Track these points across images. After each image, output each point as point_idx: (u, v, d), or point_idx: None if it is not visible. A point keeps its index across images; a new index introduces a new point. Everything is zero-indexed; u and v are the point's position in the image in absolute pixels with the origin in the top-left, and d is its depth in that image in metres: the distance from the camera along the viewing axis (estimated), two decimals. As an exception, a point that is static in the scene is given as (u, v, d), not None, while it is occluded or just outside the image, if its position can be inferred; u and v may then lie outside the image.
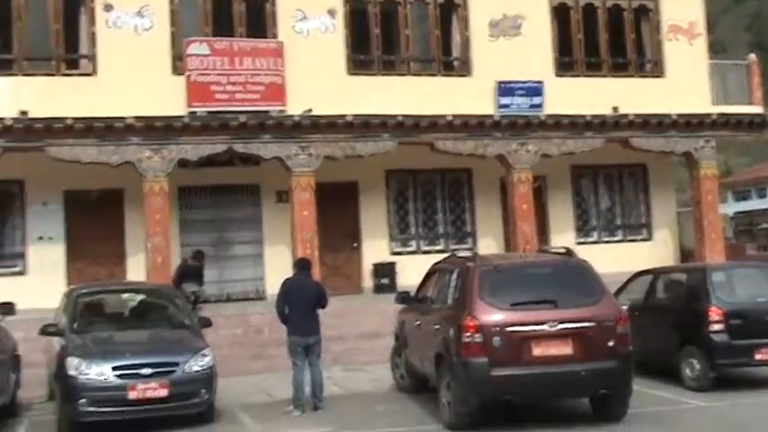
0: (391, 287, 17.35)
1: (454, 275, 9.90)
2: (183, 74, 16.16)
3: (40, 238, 16.80)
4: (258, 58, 16.45)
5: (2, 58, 15.95)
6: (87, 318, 11.09)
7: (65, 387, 9.71)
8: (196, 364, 9.93)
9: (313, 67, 16.70)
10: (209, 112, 16.07)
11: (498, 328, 8.84)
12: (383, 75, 17.75)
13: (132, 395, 9.46)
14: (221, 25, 16.91)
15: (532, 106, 17.80)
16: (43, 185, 16.70)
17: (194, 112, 16.01)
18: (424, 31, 18.36)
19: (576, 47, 18.85)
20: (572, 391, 9.42)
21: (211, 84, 16.20)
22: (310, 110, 16.41)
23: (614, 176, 20.88)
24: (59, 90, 15.72)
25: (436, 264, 11.24)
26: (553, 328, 8.86)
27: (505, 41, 18.05)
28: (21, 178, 16.69)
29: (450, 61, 18.38)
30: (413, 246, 19.21)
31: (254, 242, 18.05)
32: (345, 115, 16.58)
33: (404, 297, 11.75)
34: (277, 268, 16.28)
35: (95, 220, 16.79)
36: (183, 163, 16.12)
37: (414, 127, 17.06)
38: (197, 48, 16.22)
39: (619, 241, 20.55)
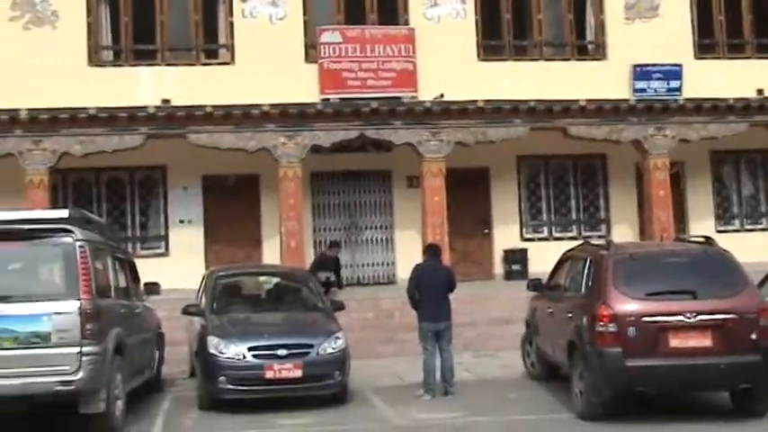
0: (522, 274, 17.21)
1: (587, 263, 9.73)
2: (316, 62, 16.47)
3: (181, 222, 17.51)
4: (389, 45, 16.57)
5: (146, 48, 16.65)
6: (226, 299, 11.53)
7: (205, 365, 10.11)
8: (330, 347, 10.14)
9: (444, 52, 16.69)
10: (342, 99, 16.32)
11: (633, 318, 8.64)
12: (515, 60, 17.57)
13: (269, 375, 9.76)
14: (353, 13, 17.12)
15: (670, 90, 17.24)
16: (184, 171, 17.36)
17: (327, 99, 16.30)
18: (557, 15, 18.05)
19: (717, 28, 18.13)
20: (711, 385, 9.13)
21: (344, 71, 16.44)
22: (441, 96, 16.43)
23: (758, 162, 19.98)
24: (199, 79, 16.30)
25: (569, 251, 11.08)
26: (692, 320, 8.59)
27: (642, 24, 17.53)
28: (163, 164, 17.40)
29: (585, 45, 18.03)
30: (544, 232, 18.98)
31: (385, 227, 18.25)
32: (477, 101, 16.50)
33: (535, 284, 11.64)
34: (408, 253, 16.45)
35: (232, 204, 17.34)
36: (315, 149, 16.43)
37: (546, 112, 16.83)
38: (329, 36, 16.49)
39: (763, 229, 19.67)
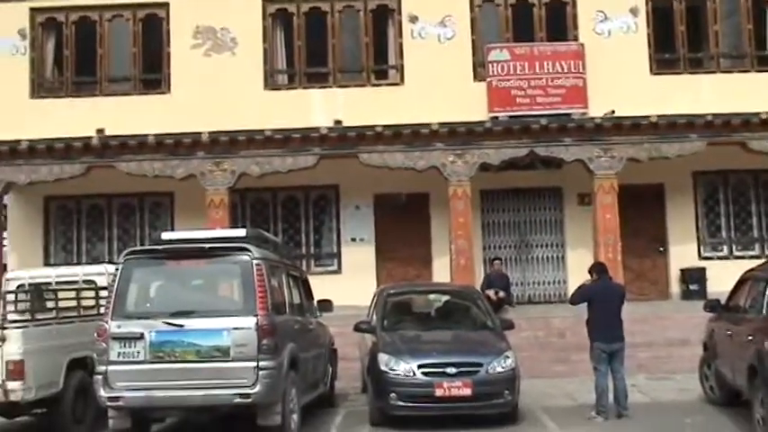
0: (701, 293, 16.47)
1: (770, 284, 9.22)
2: (484, 80, 16.51)
3: (353, 240, 17.87)
4: (559, 61, 16.39)
5: (318, 71, 17.19)
6: (396, 316, 11.67)
7: (376, 381, 10.25)
8: (499, 366, 10.06)
9: (615, 67, 16.35)
10: (511, 117, 16.24)
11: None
12: (690, 73, 17.00)
13: (438, 392, 9.78)
14: (521, 30, 17.06)
15: None
16: (356, 190, 17.74)
17: (496, 117, 16.26)
18: (734, 26, 17.30)
19: None
20: None
21: (512, 88, 16.37)
22: (613, 112, 16.04)
23: None
24: (370, 100, 16.68)
25: (749, 271, 10.53)
26: None
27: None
28: (336, 183, 17.84)
29: (765, 56, 17.16)
30: (724, 250, 18.10)
31: (556, 245, 17.96)
32: (649, 116, 15.97)
33: (713, 305, 11.13)
34: (579, 272, 15.88)
35: (403, 222, 17.57)
36: (484, 167, 16.39)
37: (724, 126, 16.06)
38: (498, 54, 16.49)
39: None
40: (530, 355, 13.11)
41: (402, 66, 16.85)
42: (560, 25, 17.05)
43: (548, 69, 16.37)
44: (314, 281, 12.34)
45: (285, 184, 17.38)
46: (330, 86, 16.98)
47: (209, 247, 9.07)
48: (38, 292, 11.04)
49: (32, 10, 16.93)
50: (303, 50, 17.10)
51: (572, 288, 16.82)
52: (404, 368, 9.99)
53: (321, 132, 16.15)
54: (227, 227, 15.54)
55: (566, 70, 16.39)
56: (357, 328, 11.55)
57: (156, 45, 17.09)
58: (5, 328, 9.30)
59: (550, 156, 16.44)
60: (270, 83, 16.98)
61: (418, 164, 16.27)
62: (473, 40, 16.88)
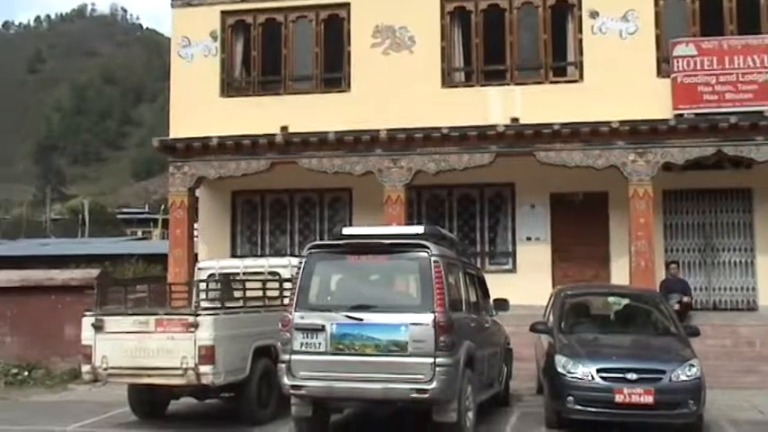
0: None
1: None
2: (668, 76, 15.91)
3: (528, 239, 17.68)
4: (750, 56, 15.58)
5: (496, 69, 17.10)
6: (574, 318, 11.45)
7: (552, 383, 10.10)
8: (683, 374, 9.67)
9: (814, 60, 15.35)
10: (697, 114, 15.57)
11: None
12: None
13: (618, 398, 9.51)
14: (709, 24, 16.31)
15: None
16: (531, 188, 17.52)
17: (681, 115, 15.64)
18: None
19: None
20: None
21: (699, 85, 15.70)
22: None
23: None
24: (547, 97, 16.42)
25: None
26: None
27: None
28: (511, 181, 17.69)
29: None
30: None
31: (745, 249, 17.06)
32: None
33: None
34: (770, 278, 15.27)
35: (580, 222, 17.20)
36: (667, 166, 15.82)
37: None
38: (683, 49, 15.85)
39: None
40: (715, 365, 12.57)
41: (581, 62, 16.48)
42: (753, 18, 16.18)
43: (738, 64, 15.58)
44: (488, 279, 12.29)
45: (461, 181, 17.39)
46: (508, 84, 16.84)
47: (389, 243, 9.22)
48: (227, 282, 11.56)
49: (223, 13, 17.73)
50: (481, 48, 17.04)
51: (762, 296, 16.16)
52: (582, 371, 9.79)
53: (498, 130, 16.07)
54: (403, 223, 15.76)
55: (758, 65, 15.55)
56: (533, 329, 11.43)
57: (337, 44, 17.50)
58: (198, 315, 9.83)
59: (740, 155, 15.65)
60: (447, 81, 17.02)
61: (597, 162, 15.89)
62: (657, 35, 16.28)
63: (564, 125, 15.75)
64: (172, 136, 17.46)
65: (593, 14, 16.41)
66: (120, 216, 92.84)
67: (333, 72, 17.61)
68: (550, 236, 17.58)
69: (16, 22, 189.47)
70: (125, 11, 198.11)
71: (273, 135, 16.75)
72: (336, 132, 16.49)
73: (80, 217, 77.49)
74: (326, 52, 17.62)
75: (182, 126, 17.44)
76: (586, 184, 16.90)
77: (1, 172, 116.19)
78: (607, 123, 15.62)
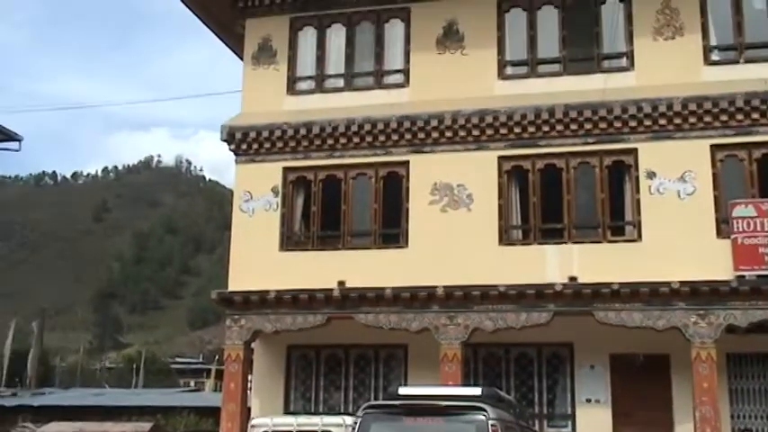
0: None
1: None
2: (728, 237, 15.79)
3: (588, 401, 17.19)
4: (812, 217, 15.44)
5: (553, 227, 17.15)
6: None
7: None
8: None
9: None
10: (759, 276, 15.34)
11: None
12: None
13: None
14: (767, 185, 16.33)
15: None
16: (591, 349, 17.18)
17: (742, 276, 15.42)
18: None
19: None
20: None
21: (760, 246, 15.54)
22: None
23: None
24: (606, 256, 16.36)
25: None
26: None
27: None
28: (570, 341, 17.40)
29: None
30: None
31: (815, 416, 16.39)
32: None
33: None
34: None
35: (641, 384, 16.71)
36: (731, 328, 15.47)
37: None
38: (743, 210, 15.80)
39: None
40: None
41: (639, 222, 16.48)
42: (813, 180, 16.17)
43: (799, 226, 15.46)
44: (548, 443, 11.93)
45: (518, 340, 17.18)
46: (565, 242, 16.84)
47: (446, 405, 9.07)
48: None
49: (285, 169, 18.24)
50: (538, 206, 17.18)
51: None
52: None
53: (556, 289, 15.98)
54: (459, 381, 15.53)
55: (820, 226, 15.40)
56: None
57: (395, 201, 17.81)
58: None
59: (806, 321, 15.28)
60: (505, 238, 17.10)
61: (658, 324, 15.62)
62: (715, 196, 16.27)
63: (623, 285, 15.61)
64: (230, 288, 17.67)
65: (651, 175, 16.52)
66: (173, 366, 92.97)
67: (391, 228, 17.82)
68: (611, 398, 17.08)
69: (84, 173, 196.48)
70: (189, 163, 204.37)
71: (331, 290, 16.88)
72: (393, 288, 16.56)
73: (134, 366, 77.77)
74: (385, 209, 17.92)
75: (240, 279, 17.68)
76: (647, 346, 16.55)
77: (60, 320, 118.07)
78: (667, 284, 15.45)
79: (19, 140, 36.20)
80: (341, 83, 18.63)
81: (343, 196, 18.05)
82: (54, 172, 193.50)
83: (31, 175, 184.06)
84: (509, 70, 17.81)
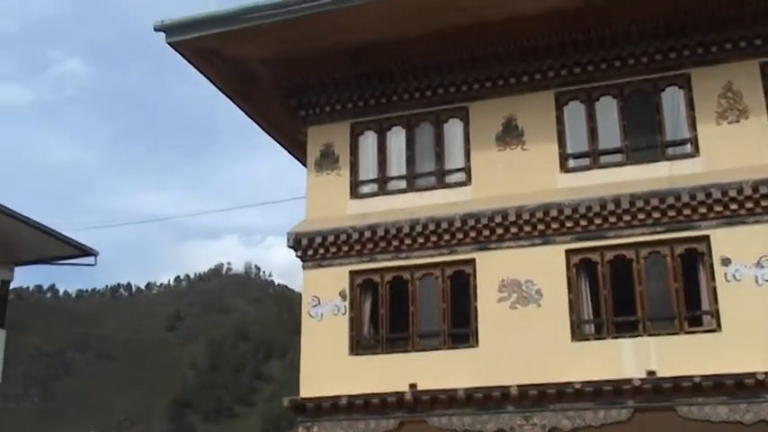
0: None
1: None
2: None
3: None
4: None
5: (627, 320, 16.70)
6: None
7: None
8: None
9: None
10: None
11: None
12: None
13: None
14: None
15: None
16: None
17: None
18: None
19: None
20: None
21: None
22: None
23: None
24: (684, 348, 15.81)
25: None
26: None
27: None
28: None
29: None
30: None
31: None
32: None
33: None
34: None
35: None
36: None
37: None
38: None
39: None
40: None
41: (717, 311, 15.94)
42: None
43: None
44: None
45: (597, 438, 16.59)
46: (640, 335, 16.35)
47: None
48: None
49: (352, 273, 18.24)
50: (609, 299, 16.78)
51: None
52: None
53: (634, 384, 15.47)
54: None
55: None
56: None
57: (463, 300, 17.61)
58: None
59: None
60: (577, 333, 16.68)
61: (745, 417, 14.93)
62: (795, 280, 15.76)
63: (705, 378, 15.04)
64: (302, 395, 17.51)
65: (726, 262, 16.07)
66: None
67: (460, 327, 17.55)
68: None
69: (158, 282, 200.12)
70: (258, 268, 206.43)
71: (402, 393, 16.60)
72: (466, 389, 16.22)
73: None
74: (453, 308, 17.71)
75: (312, 384, 17.55)
76: (734, 440, 15.82)
77: (138, 429, 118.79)
78: (752, 375, 14.83)
79: (95, 255, 37.34)
80: (403, 184, 18.75)
81: (411, 297, 17.92)
82: (129, 283, 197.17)
83: (107, 287, 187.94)
84: (571, 163, 17.74)
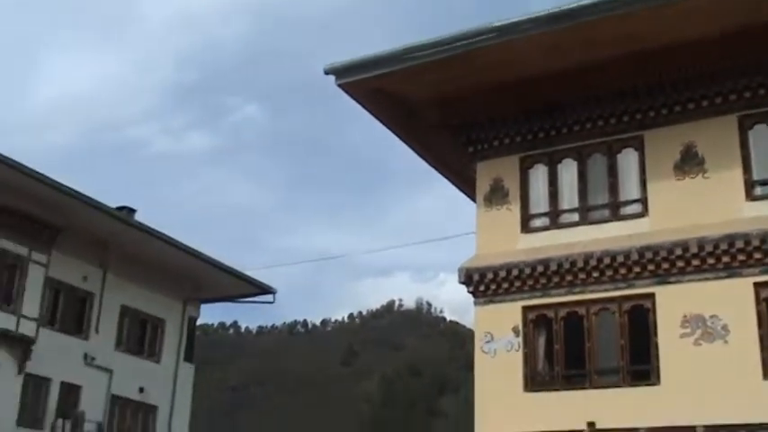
0: None
1: None
2: None
3: None
4: None
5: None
6: None
7: None
8: None
9: None
10: None
11: None
12: None
13: None
14: None
15: None
16: None
17: None
18: None
19: None
20: None
21: None
22: None
23: None
24: None
25: None
26: None
27: None
28: None
29: None
30: None
31: None
32: None
33: None
34: None
35: None
36: None
37: None
38: None
39: None
40: None
41: None
42: None
43: None
44: None
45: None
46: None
47: None
48: None
49: (524, 308, 17.96)
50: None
51: None
52: None
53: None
54: None
55: None
56: None
57: (642, 336, 16.94)
58: None
59: None
60: (768, 373, 15.71)
61: None
62: None
63: None
64: (477, 432, 17.34)
65: None
66: None
67: (639, 364, 16.89)
68: None
69: (333, 319, 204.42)
70: (429, 305, 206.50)
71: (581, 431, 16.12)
72: (648, 429, 15.62)
73: None
74: (632, 343, 17.07)
75: (487, 421, 17.35)
76: None
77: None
78: None
79: (273, 293, 38.72)
80: (575, 217, 18.35)
81: (587, 333, 17.43)
82: (305, 320, 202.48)
83: (284, 323, 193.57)
84: (758, 190, 16.80)
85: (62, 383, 31.27)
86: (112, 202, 33.39)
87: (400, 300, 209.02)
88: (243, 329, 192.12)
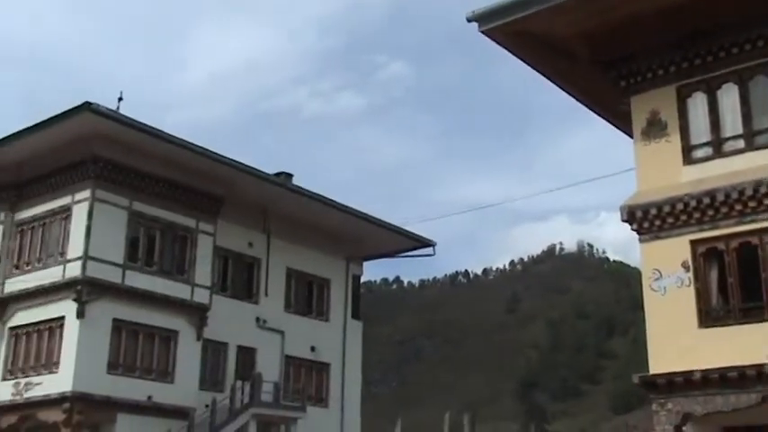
0: None
1: None
2: None
3: None
4: None
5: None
6: None
7: None
8: None
9: None
10: None
11: None
12: None
13: None
14: None
15: None
16: None
17: None
18: None
19: None
20: None
21: None
22: None
23: None
24: None
25: None
26: None
27: None
28: None
29: None
30: None
31: None
32: None
33: None
34: None
35: None
36: None
37: None
38: None
39: None
40: None
41: None
42: None
43: None
44: None
45: None
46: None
47: None
48: None
49: (692, 242, 17.39)
50: None
51: None
52: None
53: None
54: None
55: None
56: None
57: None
58: None
59: None
60: None
61: None
62: None
63: None
64: (652, 371, 17.02)
65: None
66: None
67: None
68: None
69: (494, 268, 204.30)
70: (591, 246, 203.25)
71: (762, 366, 15.54)
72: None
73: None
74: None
75: (661, 360, 17.00)
76: None
77: (488, 410, 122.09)
78: None
79: (433, 246, 39.09)
80: (741, 144, 17.55)
81: (762, 263, 16.72)
82: (466, 270, 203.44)
83: (446, 275, 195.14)
84: None
85: (238, 347, 32.84)
86: (270, 168, 34.54)
87: (561, 243, 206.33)
88: (405, 284, 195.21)
